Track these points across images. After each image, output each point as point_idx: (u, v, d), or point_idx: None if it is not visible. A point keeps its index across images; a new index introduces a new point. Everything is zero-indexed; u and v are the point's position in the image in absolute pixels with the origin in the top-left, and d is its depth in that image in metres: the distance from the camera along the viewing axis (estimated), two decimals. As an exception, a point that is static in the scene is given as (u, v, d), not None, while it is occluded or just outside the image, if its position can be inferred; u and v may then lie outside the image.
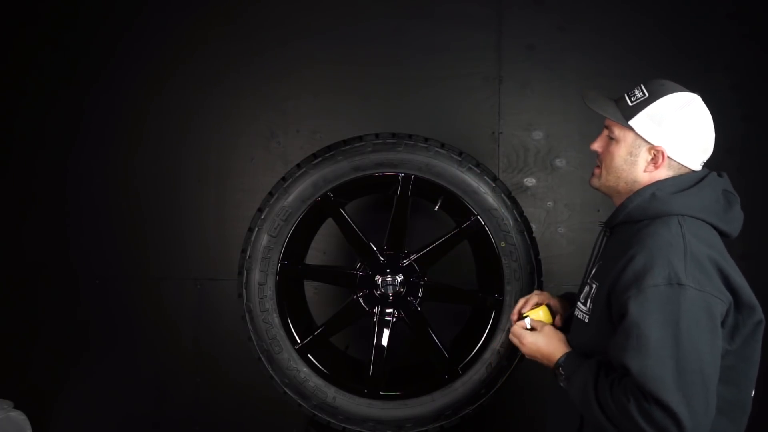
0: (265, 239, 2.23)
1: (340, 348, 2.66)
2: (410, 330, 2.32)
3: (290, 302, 2.36)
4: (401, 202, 2.25)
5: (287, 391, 2.26)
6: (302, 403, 2.26)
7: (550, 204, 2.78)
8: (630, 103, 1.60)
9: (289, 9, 2.83)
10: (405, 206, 2.26)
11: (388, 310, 2.29)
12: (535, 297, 1.86)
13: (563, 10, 2.76)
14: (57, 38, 2.88)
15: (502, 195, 2.22)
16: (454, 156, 2.21)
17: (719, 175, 1.62)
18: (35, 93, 2.89)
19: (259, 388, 2.58)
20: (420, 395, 2.26)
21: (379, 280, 2.27)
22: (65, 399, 2.91)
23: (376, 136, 2.23)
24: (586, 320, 1.61)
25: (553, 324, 1.79)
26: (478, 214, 2.22)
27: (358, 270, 2.30)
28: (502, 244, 2.22)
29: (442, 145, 2.22)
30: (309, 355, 2.29)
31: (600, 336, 1.53)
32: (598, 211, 2.71)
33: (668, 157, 1.57)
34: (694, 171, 1.60)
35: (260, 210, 2.25)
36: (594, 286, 1.60)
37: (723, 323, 1.45)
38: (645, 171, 1.60)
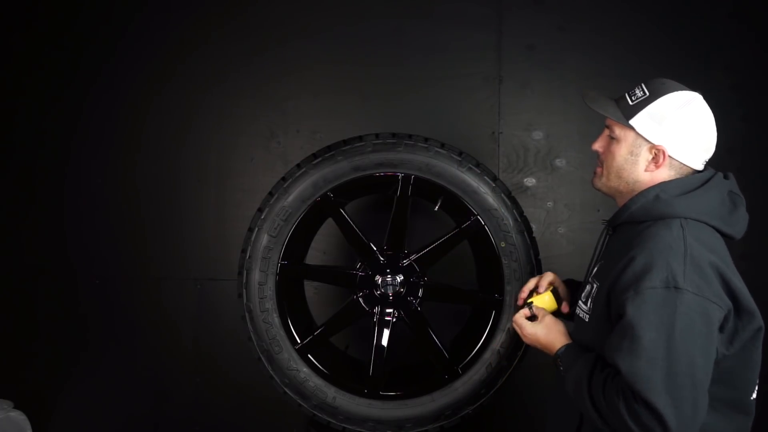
0: (265, 239, 2.23)
1: (340, 348, 2.66)
2: (410, 330, 2.31)
3: (290, 302, 2.36)
4: (401, 202, 2.25)
5: (287, 391, 2.26)
6: (302, 403, 2.26)
7: (550, 204, 2.78)
8: (630, 103, 1.60)
9: (289, 9, 2.83)
10: (405, 206, 2.26)
11: (388, 310, 2.29)
12: (550, 276, 1.87)
13: (563, 10, 2.76)
14: (57, 38, 2.89)
15: (502, 195, 2.22)
16: (454, 156, 2.21)
17: (725, 177, 1.61)
18: (35, 93, 2.89)
19: (259, 388, 2.58)
20: (420, 395, 2.26)
21: (379, 280, 2.27)
22: (65, 399, 2.91)
23: (376, 136, 2.23)
24: (587, 319, 1.62)
25: (559, 309, 1.80)
26: (478, 214, 2.22)
27: (358, 270, 2.30)
28: (502, 244, 2.21)
29: (442, 145, 2.22)
30: (309, 355, 2.29)
31: (599, 335, 1.54)
32: (598, 211, 2.71)
33: (669, 157, 1.57)
34: (696, 170, 1.60)
35: (260, 210, 2.25)
36: (595, 285, 1.60)
37: (722, 328, 1.45)
38: (646, 170, 1.59)
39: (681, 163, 1.58)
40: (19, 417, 2.43)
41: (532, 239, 2.24)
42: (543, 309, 1.78)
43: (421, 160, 2.20)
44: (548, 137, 2.78)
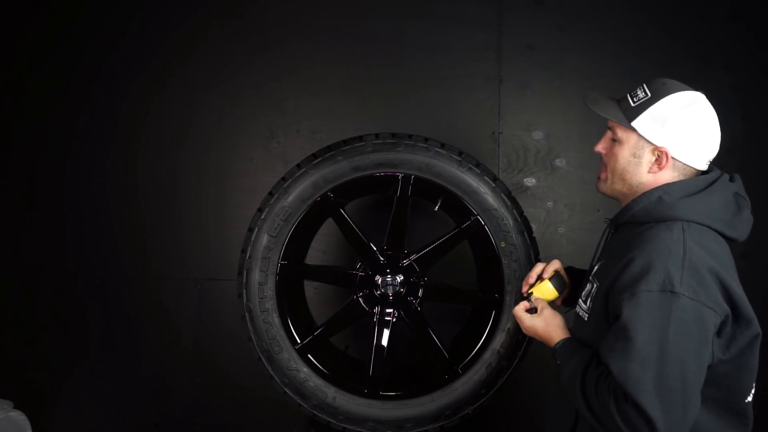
0: (265, 239, 2.23)
1: (340, 348, 2.66)
2: (410, 330, 2.31)
3: (290, 302, 2.36)
4: (401, 202, 2.25)
5: (287, 391, 2.26)
6: (302, 403, 2.26)
7: (550, 204, 2.78)
8: (632, 104, 1.59)
9: (289, 9, 2.83)
10: (405, 206, 2.26)
11: (388, 310, 2.29)
12: (556, 263, 1.86)
13: (563, 10, 2.76)
14: (57, 38, 2.88)
15: (502, 195, 2.22)
16: (454, 156, 2.21)
17: (731, 179, 1.60)
18: (35, 93, 2.89)
19: (259, 388, 2.58)
20: (420, 395, 2.26)
21: (379, 280, 2.27)
22: (65, 399, 2.90)
23: (376, 136, 2.23)
24: (586, 318, 1.62)
25: (560, 297, 1.83)
26: (478, 214, 2.22)
27: (358, 270, 2.30)
28: (502, 244, 2.22)
29: (442, 145, 2.22)
30: (309, 355, 2.29)
31: (598, 334, 1.54)
32: (598, 211, 2.71)
33: (672, 158, 1.55)
34: (700, 171, 1.59)
35: (260, 210, 2.25)
36: (595, 284, 1.60)
37: (720, 333, 1.45)
38: (649, 172, 1.58)
39: (684, 164, 1.57)
40: (19, 417, 2.43)
41: (532, 239, 2.24)
42: (543, 300, 1.78)
43: (421, 160, 2.20)
44: (548, 137, 2.78)
